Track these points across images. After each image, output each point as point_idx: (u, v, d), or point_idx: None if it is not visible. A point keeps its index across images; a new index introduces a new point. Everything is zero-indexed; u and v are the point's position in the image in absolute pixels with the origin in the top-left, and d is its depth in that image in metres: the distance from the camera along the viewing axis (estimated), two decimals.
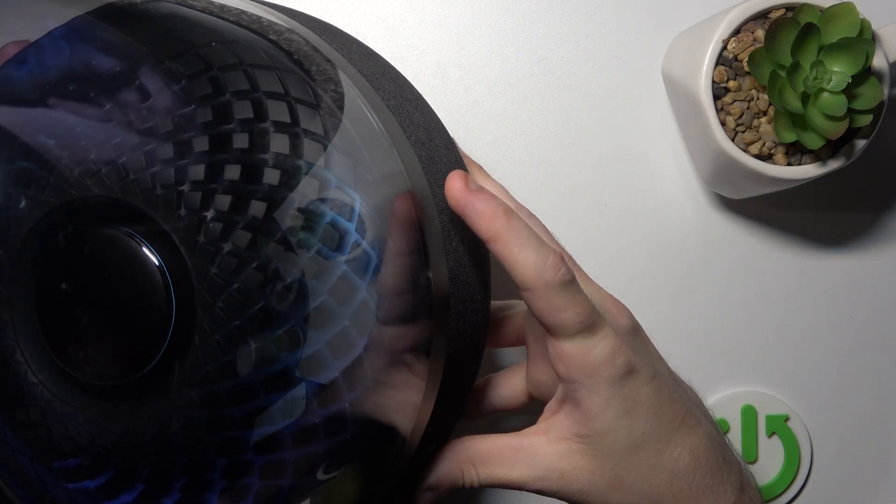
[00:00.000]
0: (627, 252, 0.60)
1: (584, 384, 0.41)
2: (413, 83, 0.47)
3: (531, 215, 0.46)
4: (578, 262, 0.47)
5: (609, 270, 0.59)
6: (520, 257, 0.39)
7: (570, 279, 0.40)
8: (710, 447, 0.42)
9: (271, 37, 0.39)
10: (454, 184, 0.39)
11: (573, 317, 0.40)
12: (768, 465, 0.60)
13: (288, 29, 0.40)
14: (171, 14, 0.39)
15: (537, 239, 0.40)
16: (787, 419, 0.60)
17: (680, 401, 0.42)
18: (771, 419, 0.60)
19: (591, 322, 0.40)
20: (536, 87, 0.59)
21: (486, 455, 0.43)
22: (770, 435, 0.60)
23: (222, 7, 0.40)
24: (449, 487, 0.43)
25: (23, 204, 0.38)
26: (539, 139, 0.59)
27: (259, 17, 0.40)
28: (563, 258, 0.40)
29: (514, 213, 0.40)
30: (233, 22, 0.39)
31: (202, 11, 0.40)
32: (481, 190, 0.40)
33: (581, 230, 0.60)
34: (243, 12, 0.40)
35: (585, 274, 0.46)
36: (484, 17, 0.59)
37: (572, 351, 0.40)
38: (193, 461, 0.38)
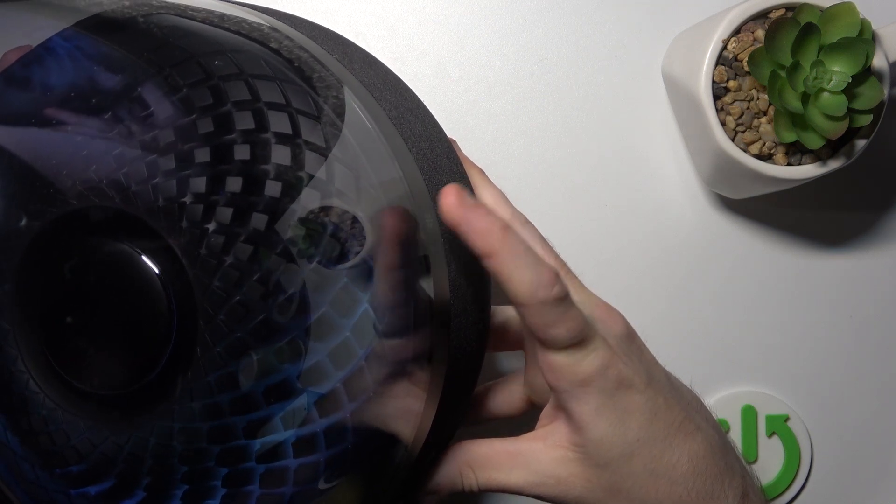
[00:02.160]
0: (627, 252, 0.60)
1: (574, 394, 0.41)
2: (413, 83, 0.47)
3: (527, 222, 0.46)
4: (578, 262, 0.47)
5: (609, 270, 0.60)
6: (514, 274, 0.39)
7: (564, 296, 0.40)
8: (711, 453, 0.42)
9: (272, 45, 0.39)
10: (448, 200, 0.39)
11: (564, 332, 0.40)
12: (768, 465, 0.60)
13: (288, 38, 0.40)
14: (171, 25, 0.39)
15: (533, 255, 0.39)
16: (787, 419, 0.60)
17: (677, 406, 0.42)
18: (771, 419, 0.60)
19: (583, 336, 0.40)
20: (536, 87, 0.59)
21: (484, 459, 0.43)
22: (770, 435, 0.60)
23: (223, 16, 0.40)
24: (448, 491, 0.44)
25: (24, 219, 0.38)
26: (539, 139, 0.59)
27: (260, 26, 0.40)
28: (559, 274, 0.40)
29: (510, 228, 0.39)
30: (233, 31, 0.39)
31: (202, 22, 0.39)
32: (476, 206, 0.39)
33: (581, 230, 0.60)
34: (244, 20, 0.40)
35: (579, 281, 0.46)
36: (484, 17, 0.59)
37: (561, 362, 0.40)
38: (194, 470, 0.38)
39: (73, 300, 0.38)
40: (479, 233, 0.39)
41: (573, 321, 0.40)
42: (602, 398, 0.41)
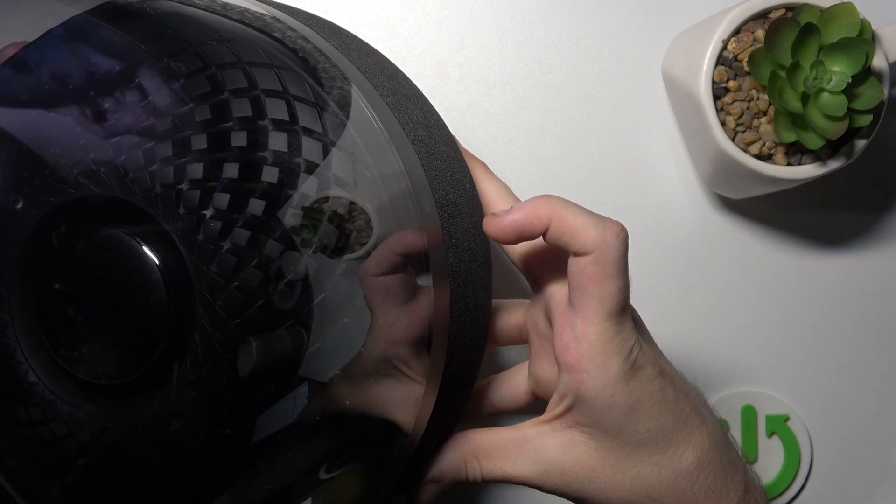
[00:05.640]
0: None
1: (592, 375, 0.40)
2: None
3: None
4: None
5: None
6: (578, 222, 0.39)
7: (626, 250, 0.40)
8: (715, 447, 0.42)
9: (275, 34, 0.39)
10: (489, 228, 0.40)
11: (617, 293, 0.40)
12: (768, 465, 0.60)
13: (289, 27, 0.40)
14: (171, 12, 0.39)
15: (587, 210, 0.40)
16: (787, 419, 0.60)
17: (685, 399, 0.42)
18: (771, 419, 0.60)
19: (625, 307, 0.40)
20: (536, 87, 0.59)
21: (489, 449, 0.43)
22: (770, 435, 0.60)
23: (225, 5, 0.40)
24: (452, 480, 0.43)
25: (20, 204, 0.38)
26: (539, 139, 0.59)
27: (262, 15, 0.40)
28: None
29: (550, 195, 0.40)
30: (236, 20, 0.39)
31: (205, 10, 0.40)
32: (504, 212, 0.40)
33: None
34: (246, 10, 0.40)
35: None
36: (484, 17, 0.59)
37: (593, 336, 0.40)
38: (195, 460, 0.38)
39: (71, 289, 0.38)
40: (529, 214, 0.39)
41: (627, 283, 0.40)
42: (618, 384, 0.40)
